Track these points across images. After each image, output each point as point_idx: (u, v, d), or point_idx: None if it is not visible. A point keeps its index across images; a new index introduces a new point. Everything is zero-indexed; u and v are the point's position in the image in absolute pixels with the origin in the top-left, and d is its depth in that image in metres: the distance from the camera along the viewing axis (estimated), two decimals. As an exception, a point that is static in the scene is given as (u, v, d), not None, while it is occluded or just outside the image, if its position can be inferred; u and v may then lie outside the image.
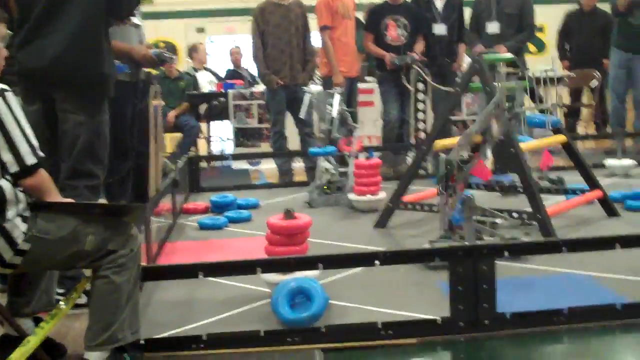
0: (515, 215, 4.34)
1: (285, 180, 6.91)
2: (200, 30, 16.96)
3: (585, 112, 9.61)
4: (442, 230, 3.76)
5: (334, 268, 3.20)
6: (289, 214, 3.44)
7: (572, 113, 9.55)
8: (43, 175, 2.53)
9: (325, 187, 5.78)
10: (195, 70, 9.67)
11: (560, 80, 9.51)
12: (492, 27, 7.10)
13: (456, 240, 3.65)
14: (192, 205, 5.77)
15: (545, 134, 4.86)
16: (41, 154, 2.54)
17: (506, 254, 2.93)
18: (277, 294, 3.07)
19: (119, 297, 2.57)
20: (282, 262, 3.04)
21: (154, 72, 6.80)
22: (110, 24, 3.58)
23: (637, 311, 2.98)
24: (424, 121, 6.82)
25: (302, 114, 6.48)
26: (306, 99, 6.27)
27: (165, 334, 3.01)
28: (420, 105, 6.77)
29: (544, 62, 11.60)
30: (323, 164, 5.80)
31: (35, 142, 2.52)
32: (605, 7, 8.55)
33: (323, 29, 6.87)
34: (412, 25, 7.05)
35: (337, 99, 5.90)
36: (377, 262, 2.90)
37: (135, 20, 4.84)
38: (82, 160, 3.41)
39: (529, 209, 4.25)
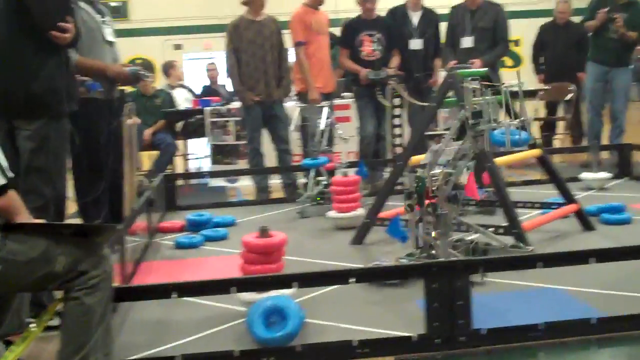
0: (490, 230, 4.34)
1: (263, 198, 6.88)
2: (178, 47, 16.93)
3: (561, 125, 9.68)
4: (415, 248, 3.74)
5: (309, 286, 3.18)
6: (264, 232, 3.42)
7: (548, 126, 9.62)
8: (12, 196, 2.49)
9: (317, 197, 5.82)
10: (172, 87, 9.64)
11: (535, 93, 9.62)
12: (467, 42, 7.14)
13: (431, 256, 3.64)
14: (168, 223, 5.73)
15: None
16: (10, 174, 2.51)
17: (481, 269, 2.93)
18: (252, 313, 3.05)
19: (90, 318, 2.53)
20: (257, 281, 3.02)
21: (129, 89, 6.78)
22: (46, 39, 3.53)
23: (612, 325, 2.98)
24: (401, 136, 6.83)
25: (292, 128, 6.50)
26: (297, 113, 6.25)
27: (140, 355, 2.97)
28: (397, 121, 6.77)
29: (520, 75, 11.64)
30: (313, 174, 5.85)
31: (4, 163, 2.49)
32: (580, 19, 8.64)
33: (297, 45, 6.88)
34: (387, 40, 7.08)
35: (325, 112, 5.95)
36: (351, 279, 2.88)
37: (109, 37, 4.81)
38: (29, 177, 3.39)
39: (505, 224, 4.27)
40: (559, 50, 9.05)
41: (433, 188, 3.70)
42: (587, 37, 8.24)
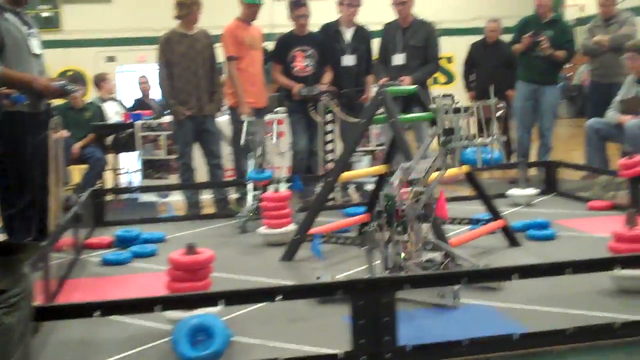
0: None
1: (194, 213, 6.82)
2: (111, 59, 16.74)
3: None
4: (384, 270, 3.72)
5: (235, 304, 3.16)
6: (191, 249, 3.39)
7: (478, 143, 9.75)
8: None
9: (250, 213, 5.82)
10: (103, 100, 9.51)
11: (466, 110, 9.77)
12: (398, 59, 7.22)
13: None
14: (96, 239, 5.62)
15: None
16: None
17: (407, 286, 2.95)
18: (177, 331, 3.01)
19: (9, 338, 2.47)
20: (182, 300, 2.98)
21: (57, 102, 6.66)
22: None
23: (534, 341, 3.03)
24: (333, 152, 6.86)
25: (242, 141, 6.48)
26: (245, 126, 6.19)
27: (61, 376, 2.90)
28: (329, 136, 6.80)
29: (451, 92, 11.85)
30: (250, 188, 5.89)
31: None
32: (509, 37, 8.85)
33: (229, 59, 6.87)
34: (319, 56, 7.12)
35: (275, 126, 5.96)
36: (278, 297, 2.87)
37: (36, 49, 4.73)
38: None
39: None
40: (489, 68, 9.25)
41: (402, 207, 3.70)
42: (515, 56, 8.43)
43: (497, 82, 9.17)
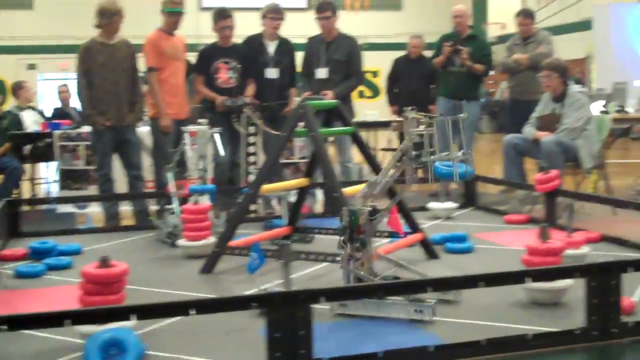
0: (329, 258, 4.37)
1: (112, 225, 6.69)
2: (32, 66, 16.37)
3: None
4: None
5: (148, 318, 3.10)
6: (104, 262, 3.32)
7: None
8: None
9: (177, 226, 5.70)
10: (21, 108, 9.28)
11: (389, 124, 9.91)
12: (321, 73, 7.25)
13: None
14: (9, 251, 5.46)
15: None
16: None
17: (323, 299, 2.95)
18: (89, 346, 2.94)
19: None
20: (92, 314, 2.91)
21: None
22: None
23: (449, 352, 3.07)
24: (255, 164, 6.83)
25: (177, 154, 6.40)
26: (185, 137, 6.07)
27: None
28: (252, 149, 6.78)
29: (375, 107, 11.99)
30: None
31: None
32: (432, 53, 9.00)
33: (150, 70, 6.78)
34: (243, 68, 7.10)
35: (217, 137, 5.89)
36: (192, 311, 2.83)
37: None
38: None
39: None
40: (412, 83, 9.39)
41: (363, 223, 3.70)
42: (437, 71, 8.57)
43: (420, 96, 9.39)
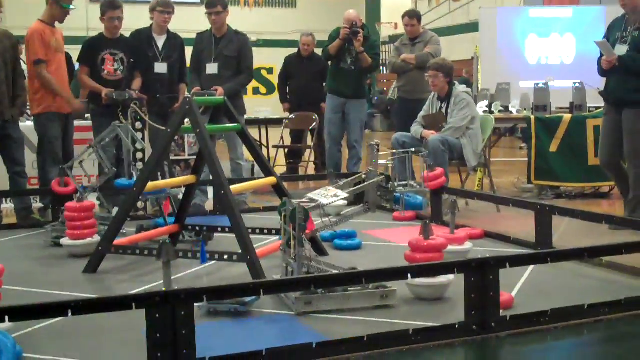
0: (225, 257, 4.35)
1: (-7, 223, 6.44)
2: None
3: (307, 153, 10.06)
4: None
5: (22, 320, 3.00)
6: (-23, 262, 3.19)
7: (294, 154, 9.95)
8: None
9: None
10: None
11: (281, 121, 9.93)
12: (211, 68, 7.18)
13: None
14: None
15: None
16: None
17: (204, 298, 2.93)
18: (-40, 350, 2.82)
19: None
20: (-37, 316, 2.79)
21: None
22: None
23: (332, 349, 3.09)
24: (142, 161, 6.69)
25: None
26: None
27: None
28: (138, 145, 6.63)
29: (270, 104, 11.96)
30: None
31: None
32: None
33: (38, 62, 6.53)
34: (129, 61, 6.95)
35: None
36: (69, 312, 2.75)
37: None
38: None
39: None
40: (303, 81, 9.43)
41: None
42: (328, 69, 8.62)
43: (311, 94, 9.45)
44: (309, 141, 9.86)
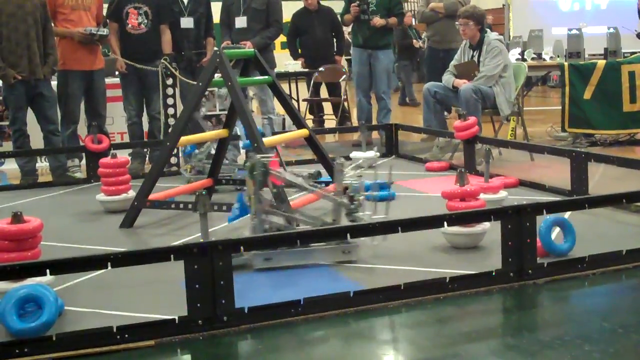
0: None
1: (29, 182, 6.50)
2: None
3: (329, 106, 10.05)
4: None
5: (62, 273, 3.03)
6: (17, 218, 3.23)
7: (317, 107, 9.93)
8: None
9: None
10: None
11: (310, 75, 9.86)
12: (240, 22, 7.14)
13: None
14: None
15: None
16: None
17: (242, 249, 2.94)
18: (3, 303, 2.86)
19: None
20: (5, 270, 2.83)
21: None
22: None
23: (369, 298, 3.10)
24: (175, 116, 6.71)
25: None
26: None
27: None
28: (170, 101, 6.64)
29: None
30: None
31: None
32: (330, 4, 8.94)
33: None
34: (154, 14, 6.91)
35: None
36: (109, 264, 2.78)
37: None
38: None
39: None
40: (316, 35, 9.34)
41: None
42: (339, 20, 8.52)
43: (326, 47, 9.36)
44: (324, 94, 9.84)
